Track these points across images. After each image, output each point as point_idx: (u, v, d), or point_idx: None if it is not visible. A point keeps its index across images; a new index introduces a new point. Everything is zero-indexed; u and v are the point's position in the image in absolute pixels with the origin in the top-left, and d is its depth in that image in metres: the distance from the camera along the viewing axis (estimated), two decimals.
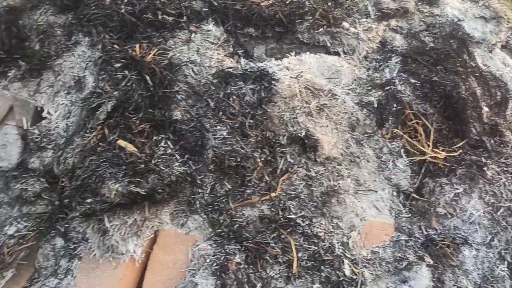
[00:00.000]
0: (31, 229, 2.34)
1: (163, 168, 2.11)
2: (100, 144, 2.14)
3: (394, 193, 2.66)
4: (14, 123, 2.59)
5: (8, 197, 2.51)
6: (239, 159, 2.33)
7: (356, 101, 2.72)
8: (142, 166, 2.04)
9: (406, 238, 2.55)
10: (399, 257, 2.48)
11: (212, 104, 2.38)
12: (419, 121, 2.79)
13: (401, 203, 2.66)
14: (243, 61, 2.64)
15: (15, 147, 2.58)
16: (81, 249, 2.34)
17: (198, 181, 2.33)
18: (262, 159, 2.36)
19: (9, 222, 2.39)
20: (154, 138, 2.18)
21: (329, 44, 2.87)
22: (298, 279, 2.29)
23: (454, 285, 2.43)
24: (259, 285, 2.22)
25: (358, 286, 2.32)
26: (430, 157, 2.70)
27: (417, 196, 2.67)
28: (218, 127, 2.32)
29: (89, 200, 2.06)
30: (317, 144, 2.44)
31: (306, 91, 2.53)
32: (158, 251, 2.28)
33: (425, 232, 2.59)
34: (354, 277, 2.33)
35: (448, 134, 2.84)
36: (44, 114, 2.57)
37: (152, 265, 2.28)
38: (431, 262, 2.48)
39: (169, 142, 2.23)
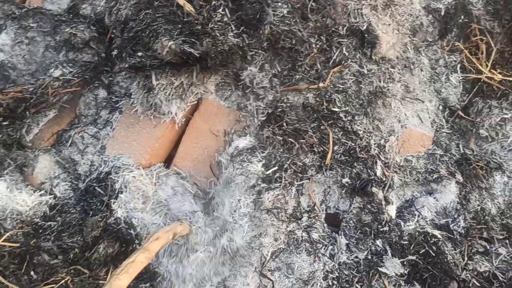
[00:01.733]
0: (76, 75, 2.35)
1: (218, 34, 2.04)
2: None
3: (440, 107, 2.60)
4: None
5: (55, 41, 2.49)
6: (294, 42, 2.25)
7: (423, 5, 2.55)
8: (199, 27, 1.98)
9: (442, 153, 2.53)
10: (431, 169, 2.48)
11: None
12: (483, 38, 2.64)
13: (444, 118, 2.61)
14: None
15: None
16: (123, 103, 2.36)
17: (249, 57, 2.27)
18: (318, 46, 2.28)
19: (55, 66, 2.39)
20: (213, 2, 2.09)
21: None
22: (329, 170, 2.31)
23: (479, 205, 2.45)
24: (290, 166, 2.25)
25: (386, 188, 2.34)
26: (486, 77, 2.59)
27: (462, 114, 2.61)
28: (279, 3, 2.21)
29: (140, 54, 2.03)
30: (376, 41, 2.34)
31: None
32: (198, 118, 2.29)
33: (461, 151, 2.57)
34: (384, 179, 2.35)
35: (510, 58, 2.70)
36: None
37: (191, 131, 2.31)
38: (461, 180, 2.48)
39: (226, 10, 2.14)
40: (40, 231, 1.89)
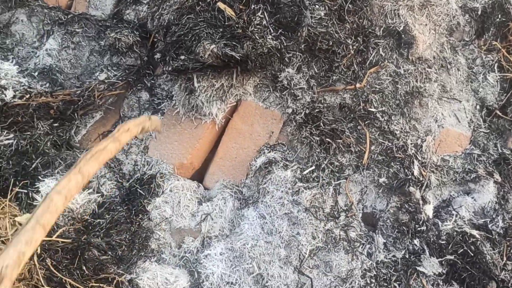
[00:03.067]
0: (120, 78, 2.44)
1: (257, 37, 2.10)
2: (199, 3, 2.12)
3: (478, 107, 2.60)
4: None
5: (99, 46, 2.59)
6: (331, 43, 2.29)
7: (460, 5, 2.55)
8: (239, 31, 2.04)
9: (479, 153, 2.53)
10: (469, 169, 2.48)
11: None
12: None
13: (482, 117, 2.60)
14: None
15: None
16: (164, 105, 2.44)
17: (286, 59, 2.32)
18: (354, 47, 2.31)
19: (100, 69, 2.49)
20: (253, 6, 2.15)
21: None
22: (366, 170, 2.34)
23: None
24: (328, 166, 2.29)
25: (423, 187, 2.35)
26: None
27: (500, 114, 2.60)
28: (317, 6, 2.25)
29: (182, 57, 2.10)
30: (413, 41, 2.35)
31: None
32: (237, 119, 2.35)
33: (500, 151, 2.56)
34: (421, 178, 2.36)
35: None
36: None
37: (230, 131, 2.37)
38: (499, 179, 2.47)
39: (265, 13, 2.20)
40: (90, 227, 1.98)
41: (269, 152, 2.27)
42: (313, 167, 2.28)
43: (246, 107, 2.35)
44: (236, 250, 2.13)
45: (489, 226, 2.38)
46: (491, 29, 2.60)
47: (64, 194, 1.29)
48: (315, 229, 2.22)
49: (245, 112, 2.35)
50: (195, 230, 2.20)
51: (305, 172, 2.28)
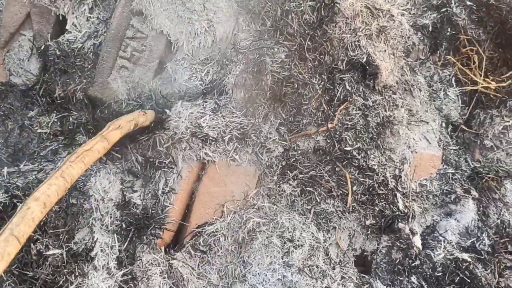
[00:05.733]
0: None
1: None
2: None
3: (444, 124, 2.56)
4: (31, 33, 2.22)
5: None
6: (296, 86, 2.12)
7: (411, 23, 2.49)
8: None
9: (453, 171, 2.49)
10: (446, 190, 2.44)
11: (268, 23, 2.10)
12: (473, 48, 2.61)
13: (449, 134, 2.57)
14: None
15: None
16: None
17: (251, 109, 2.13)
18: (320, 86, 2.16)
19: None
20: None
21: None
22: (351, 213, 2.21)
23: (498, 218, 2.43)
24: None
25: (409, 219, 2.27)
26: (482, 87, 2.57)
27: (465, 128, 2.58)
28: (275, 49, 2.07)
29: None
30: (377, 71, 2.25)
31: (366, 11, 2.27)
32: (208, 182, 2.13)
33: (471, 165, 2.54)
34: (406, 211, 2.27)
35: (498, 63, 2.69)
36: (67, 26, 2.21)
37: (202, 196, 2.14)
38: (477, 195, 2.45)
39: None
40: None
41: (250, 218, 2.06)
42: (300, 228, 2.10)
43: (216, 167, 2.11)
44: None
45: (477, 245, 2.35)
46: (444, 43, 2.57)
47: (43, 201, 1.18)
48: None
49: (215, 173, 2.11)
50: None
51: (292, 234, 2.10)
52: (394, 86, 2.38)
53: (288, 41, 2.11)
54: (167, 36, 2.16)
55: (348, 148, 2.23)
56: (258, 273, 2.05)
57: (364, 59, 2.23)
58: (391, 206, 2.24)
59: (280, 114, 2.16)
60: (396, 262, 2.20)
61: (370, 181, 2.24)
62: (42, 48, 2.24)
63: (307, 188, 2.17)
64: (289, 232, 2.09)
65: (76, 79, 2.17)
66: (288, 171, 2.16)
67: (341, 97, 2.24)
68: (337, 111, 2.21)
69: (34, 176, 1.98)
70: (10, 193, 1.78)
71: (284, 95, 2.14)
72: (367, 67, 2.23)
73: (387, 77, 2.34)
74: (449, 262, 2.25)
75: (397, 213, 2.23)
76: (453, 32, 2.60)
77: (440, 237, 2.35)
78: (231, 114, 2.15)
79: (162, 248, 2.06)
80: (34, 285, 1.73)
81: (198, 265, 2.10)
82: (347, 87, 2.24)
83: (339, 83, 2.23)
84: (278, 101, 2.16)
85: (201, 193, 2.13)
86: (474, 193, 2.45)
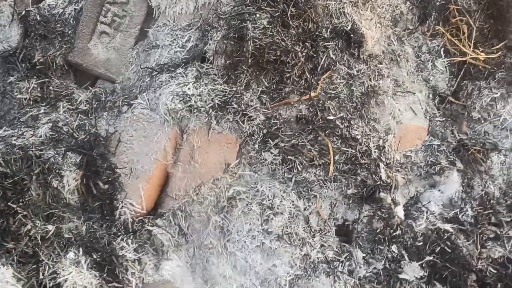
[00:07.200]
0: None
1: None
2: None
3: (431, 96, 2.54)
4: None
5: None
6: (279, 53, 2.09)
7: None
8: None
9: (439, 143, 2.48)
10: (431, 161, 2.42)
11: None
12: (462, 19, 2.56)
13: (435, 106, 2.55)
14: None
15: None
16: None
17: (232, 76, 2.10)
18: (303, 54, 2.13)
19: None
20: None
21: None
22: (333, 182, 2.20)
23: (482, 190, 2.42)
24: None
25: (392, 189, 2.26)
26: (471, 58, 2.53)
27: (453, 99, 2.55)
28: (258, 14, 2.03)
29: None
30: (362, 39, 2.22)
31: None
32: (187, 150, 2.11)
33: (457, 137, 2.52)
34: (389, 181, 2.26)
35: (488, 35, 2.65)
36: None
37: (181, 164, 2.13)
38: (462, 167, 2.44)
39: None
40: None
41: (230, 186, 2.06)
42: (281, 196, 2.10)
43: (196, 135, 2.10)
44: None
45: (460, 217, 2.34)
46: (433, 13, 2.53)
47: None
48: (292, 257, 2.06)
49: (196, 141, 2.10)
50: None
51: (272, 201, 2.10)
52: (380, 55, 2.35)
53: (270, 7, 2.07)
54: (148, 1, 2.12)
55: (331, 117, 2.21)
56: (237, 240, 2.06)
57: (349, 27, 2.19)
58: (374, 176, 2.23)
59: (262, 82, 2.14)
60: (377, 231, 2.20)
61: (353, 151, 2.23)
62: (23, 13, 2.21)
63: (289, 157, 2.16)
64: (269, 200, 2.09)
65: (56, 45, 2.14)
66: (270, 140, 2.14)
67: (325, 65, 2.21)
68: (321, 79, 2.19)
69: (13, 142, 1.98)
70: None
71: (267, 62, 2.11)
72: (352, 35, 2.20)
73: (372, 46, 2.30)
74: (430, 232, 2.25)
75: (379, 183, 2.22)
76: (443, 2, 2.55)
77: (423, 208, 2.35)
78: (213, 81, 2.12)
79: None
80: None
81: (178, 233, 2.11)
82: (331, 55, 2.21)
83: (323, 51, 2.20)
84: (260, 68, 2.13)
85: (182, 161, 2.12)
86: (459, 165, 2.44)
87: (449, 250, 2.21)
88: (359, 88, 2.27)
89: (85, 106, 2.12)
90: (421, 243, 2.22)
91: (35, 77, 2.11)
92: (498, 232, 2.32)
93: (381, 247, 2.19)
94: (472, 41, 2.56)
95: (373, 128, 2.31)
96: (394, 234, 2.22)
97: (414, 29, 2.51)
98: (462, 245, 2.24)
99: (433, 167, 2.41)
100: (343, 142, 2.22)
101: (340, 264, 2.12)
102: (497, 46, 2.62)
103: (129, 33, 2.16)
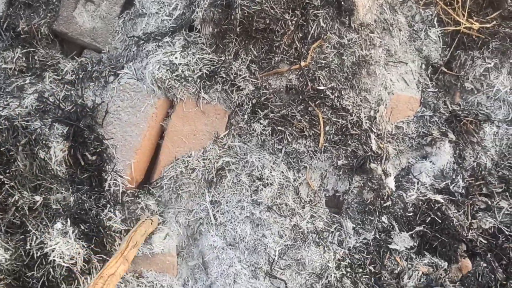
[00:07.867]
0: None
1: None
2: None
3: (423, 66, 2.50)
4: None
5: None
6: (268, 21, 2.05)
7: None
8: None
9: (431, 114, 2.46)
10: (423, 132, 2.41)
11: None
12: None
13: (428, 76, 2.51)
14: None
15: None
16: None
17: (220, 45, 2.06)
18: (293, 22, 2.08)
19: None
20: None
21: None
22: (323, 153, 2.18)
23: (474, 161, 2.41)
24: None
25: (383, 160, 2.25)
26: (464, 27, 2.48)
27: (446, 70, 2.52)
28: None
29: None
30: (353, 7, 2.17)
31: None
32: (177, 120, 2.10)
33: (450, 108, 2.49)
34: (379, 152, 2.24)
35: (483, 3, 2.60)
36: None
37: (170, 135, 2.11)
38: (454, 138, 2.42)
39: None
40: None
41: (220, 156, 2.04)
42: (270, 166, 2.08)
43: (184, 105, 2.07)
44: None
45: (451, 187, 2.34)
46: None
47: None
48: (281, 227, 2.06)
49: (184, 111, 2.08)
50: None
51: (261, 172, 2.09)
52: (372, 24, 2.31)
53: None
54: None
55: (322, 88, 2.18)
56: (227, 211, 2.05)
57: None
58: (364, 147, 2.21)
59: (251, 51, 2.10)
60: (367, 202, 2.19)
61: (344, 122, 2.20)
62: None
63: (278, 128, 2.14)
64: (258, 171, 2.08)
65: (41, 13, 2.10)
66: (259, 110, 2.12)
67: (315, 34, 2.17)
68: (311, 49, 2.15)
69: None
70: None
71: (255, 31, 2.07)
72: (343, 3, 2.15)
73: (364, 14, 2.26)
74: (421, 203, 2.24)
75: (369, 153, 2.20)
76: None
77: (414, 179, 2.34)
78: (201, 50, 2.08)
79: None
80: None
81: (167, 204, 2.11)
82: (322, 24, 2.17)
83: (313, 19, 2.15)
84: (249, 37, 2.09)
85: (170, 132, 2.10)
86: (451, 136, 2.42)
87: (440, 221, 2.21)
88: (350, 57, 2.23)
89: (71, 76, 2.08)
90: (411, 214, 2.22)
91: (20, 46, 2.07)
92: (489, 202, 2.31)
93: (371, 218, 2.19)
94: (466, 10, 2.51)
95: (364, 99, 2.28)
96: (385, 204, 2.21)
97: None
98: (453, 215, 2.24)
99: (424, 138, 2.40)
100: (334, 113, 2.20)
101: (330, 235, 2.12)
102: (492, 16, 2.57)
103: (115, 1, 2.11)
